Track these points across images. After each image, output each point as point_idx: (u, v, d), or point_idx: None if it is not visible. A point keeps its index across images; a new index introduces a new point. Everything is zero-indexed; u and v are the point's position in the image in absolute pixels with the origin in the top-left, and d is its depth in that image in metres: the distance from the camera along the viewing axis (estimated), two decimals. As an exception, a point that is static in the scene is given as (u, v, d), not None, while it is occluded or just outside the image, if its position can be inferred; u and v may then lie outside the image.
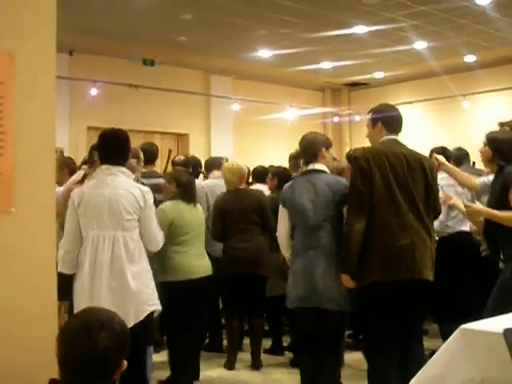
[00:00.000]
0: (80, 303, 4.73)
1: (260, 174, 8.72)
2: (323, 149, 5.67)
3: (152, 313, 4.95)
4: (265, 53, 13.99)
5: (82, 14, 10.83)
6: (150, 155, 7.57)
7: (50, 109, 4.15)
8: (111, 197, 4.80)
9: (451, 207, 6.55)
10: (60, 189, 5.76)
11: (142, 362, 4.95)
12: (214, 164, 8.61)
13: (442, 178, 6.25)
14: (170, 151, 9.71)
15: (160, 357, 7.19)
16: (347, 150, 16.57)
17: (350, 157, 7.12)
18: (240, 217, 7.12)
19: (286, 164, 8.92)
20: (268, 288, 7.24)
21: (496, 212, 5.27)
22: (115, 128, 5.24)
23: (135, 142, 5.84)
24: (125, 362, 2.68)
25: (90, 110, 13.41)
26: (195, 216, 6.52)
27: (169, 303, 5.50)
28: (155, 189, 5.75)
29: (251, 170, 8.93)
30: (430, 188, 5.21)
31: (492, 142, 5.61)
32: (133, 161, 5.83)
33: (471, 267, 6.89)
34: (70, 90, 13.07)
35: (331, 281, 5.33)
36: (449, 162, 7.19)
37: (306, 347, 5.66)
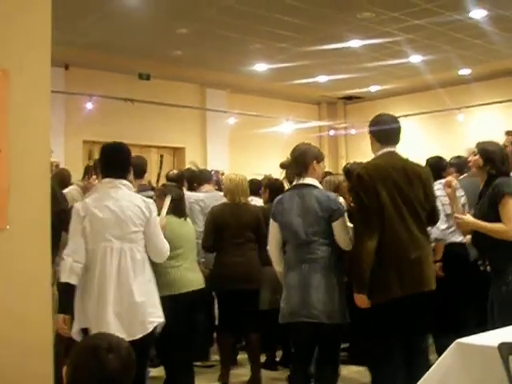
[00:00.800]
0: (88, 315, 4.74)
1: (254, 187, 8.67)
2: (314, 161, 5.60)
3: (156, 326, 4.95)
4: (260, 67, 14.02)
5: (77, 28, 10.85)
6: (139, 169, 7.55)
7: (45, 125, 4.15)
8: (117, 209, 4.81)
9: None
10: None
11: (141, 376, 4.96)
12: (205, 178, 8.55)
13: (437, 189, 6.24)
14: (161, 156, 9.71)
15: (154, 372, 7.16)
16: (343, 163, 16.62)
17: (347, 171, 7.09)
18: (236, 232, 6.99)
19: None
20: (260, 302, 7.19)
21: (485, 224, 5.27)
22: (116, 141, 5.24)
23: (131, 157, 5.85)
24: None
25: (85, 124, 13.41)
26: (187, 230, 6.55)
27: (166, 317, 5.49)
28: None
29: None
30: (428, 197, 5.20)
31: (483, 151, 5.62)
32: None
33: (464, 279, 6.88)
34: (66, 104, 13.09)
35: (325, 294, 5.30)
36: (444, 171, 7.23)
37: (299, 361, 5.64)
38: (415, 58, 13.42)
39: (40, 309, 4.10)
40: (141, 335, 4.72)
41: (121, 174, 4.97)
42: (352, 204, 5.89)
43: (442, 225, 6.60)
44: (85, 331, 4.75)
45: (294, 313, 5.41)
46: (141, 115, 14.19)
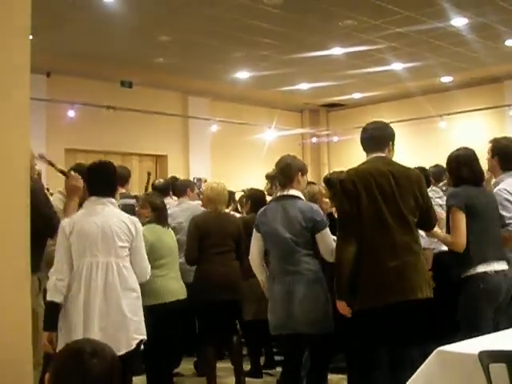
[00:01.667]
0: (74, 329, 4.71)
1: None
2: (299, 174, 5.66)
3: (140, 341, 4.93)
4: (243, 74, 14.02)
5: (59, 35, 10.81)
6: (122, 178, 7.53)
7: (24, 133, 4.11)
8: (103, 224, 4.82)
9: None
10: None
11: None
12: (188, 187, 8.48)
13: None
14: (149, 174, 9.67)
15: (136, 380, 7.11)
16: (325, 170, 16.69)
17: (327, 180, 7.08)
18: (220, 241, 6.84)
19: (264, 185, 8.92)
20: (244, 312, 7.14)
21: (440, 233, 5.46)
22: (102, 161, 5.28)
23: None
24: None
25: (67, 132, 13.36)
26: (170, 239, 6.55)
27: (152, 326, 5.48)
28: (125, 209, 5.68)
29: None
30: (419, 200, 5.04)
31: (447, 160, 5.74)
32: None
33: (448, 288, 6.88)
34: (47, 112, 13.02)
35: (310, 305, 5.32)
36: (428, 181, 7.23)
37: (289, 368, 5.64)
38: (397, 66, 13.46)
39: (18, 311, 4.06)
40: (125, 351, 4.70)
41: (108, 192, 5.00)
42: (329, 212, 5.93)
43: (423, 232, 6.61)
44: None
45: (280, 326, 5.45)
46: (123, 123, 14.16)
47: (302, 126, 18.50)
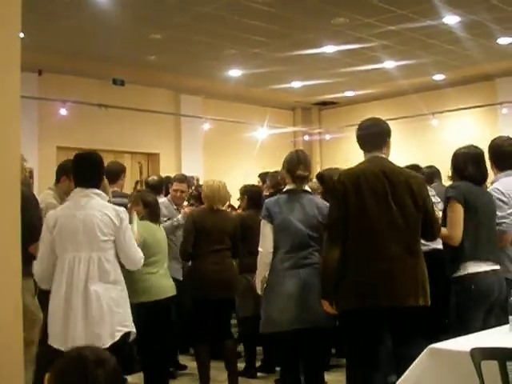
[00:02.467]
0: (55, 323, 4.78)
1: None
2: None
3: (128, 334, 4.92)
4: (235, 72, 14.00)
5: (50, 33, 10.78)
6: (113, 174, 7.51)
7: (15, 132, 4.10)
8: (85, 218, 4.83)
9: None
10: None
11: None
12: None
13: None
14: (136, 183, 9.70)
15: (133, 379, 7.11)
16: (318, 168, 16.64)
17: (320, 176, 7.11)
18: (217, 238, 6.86)
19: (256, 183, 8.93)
20: (239, 309, 7.13)
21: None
22: (89, 151, 5.29)
23: (105, 162, 5.81)
24: None
25: (59, 130, 13.32)
26: (161, 236, 6.55)
27: (145, 323, 5.47)
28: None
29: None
30: (418, 207, 4.91)
31: (453, 157, 5.69)
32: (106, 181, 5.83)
33: (443, 286, 6.87)
34: (39, 110, 12.99)
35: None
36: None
37: (289, 368, 5.63)
38: (389, 64, 13.45)
39: (9, 312, 4.05)
40: (110, 343, 4.70)
41: (93, 183, 4.99)
42: None
43: None
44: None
45: (297, 320, 5.38)
46: (115, 121, 14.14)
47: (295, 124, 18.48)
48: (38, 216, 5.47)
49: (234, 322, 7.71)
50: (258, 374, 7.64)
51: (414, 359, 4.72)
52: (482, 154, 5.64)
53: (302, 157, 5.74)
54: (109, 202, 5.27)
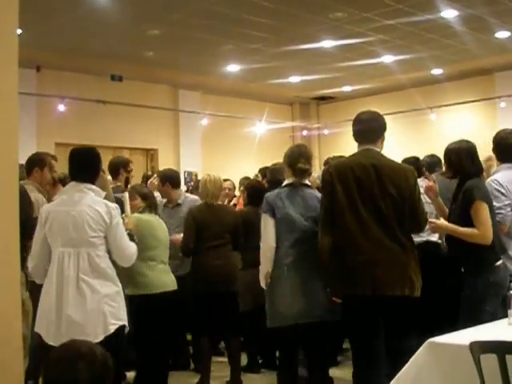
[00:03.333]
0: (46, 317, 4.77)
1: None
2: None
3: (123, 328, 4.92)
4: (233, 67, 14.00)
5: (49, 30, 10.77)
6: (112, 169, 7.51)
7: (13, 128, 4.10)
8: (76, 214, 4.82)
9: None
10: None
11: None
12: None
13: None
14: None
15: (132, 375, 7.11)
16: (316, 163, 16.62)
17: (326, 163, 7.16)
18: (217, 233, 6.88)
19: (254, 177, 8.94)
20: (240, 303, 7.12)
21: (456, 227, 5.31)
22: (85, 146, 5.30)
23: (104, 158, 5.80)
24: None
25: (57, 127, 13.32)
26: (162, 229, 6.53)
27: (143, 317, 5.48)
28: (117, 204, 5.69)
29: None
30: (404, 198, 5.00)
31: (446, 152, 5.68)
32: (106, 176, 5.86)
33: (438, 278, 6.89)
34: (38, 107, 12.98)
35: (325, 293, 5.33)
36: (421, 171, 7.23)
37: (288, 362, 5.63)
38: (387, 58, 13.45)
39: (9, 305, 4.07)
40: (103, 336, 4.70)
41: (88, 178, 4.99)
42: None
43: None
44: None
45: (302, 314, 5.38)
46: (113, 117, 14.13)
47: (293, 119, 18.48)
48: (32, 212, 5.51)
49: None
50: (262, 370, 7.64)
51: (407, 353, 4.81)
52: (474, 147, 5.65)
53: (303, 150, 5.73)
54: (107, 197, 5.26)
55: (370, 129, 5.25)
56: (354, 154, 5.24)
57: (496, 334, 3.67)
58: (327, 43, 12.18)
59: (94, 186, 4.98)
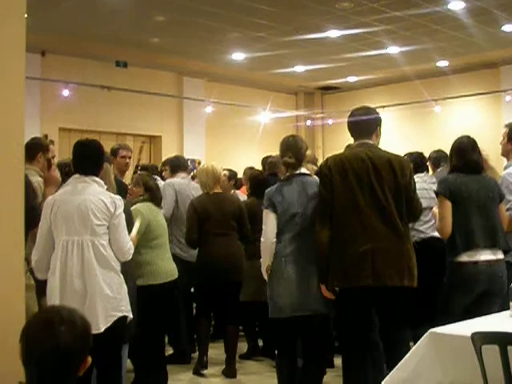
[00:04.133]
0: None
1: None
2: (306, 153, 5.69)
3: (125, 318, 4.92)
4: (238, 55, 13.99)
5: (54, 15, 10.77)
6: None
7: (19, 113, 4.10)
8: (81, 202, 4.81)
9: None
10: None
11: (116, 362, 5.02)
12: (180, 165, 8.34)
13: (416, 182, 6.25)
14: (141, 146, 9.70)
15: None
16: (320, 153, 16.65)
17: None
18: (220, 222, 6.91)
19: (258, 166, 8.95)
20: (242, 293, 7.15)
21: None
22: (89, 138, 5.33)
23: (107, 144, 5.82)
24: (89, 358, 2.67)
25: (61, 112, 13.31)
26: (163, 219, 6.55)
27: (148, 306, 5.49)
28: (119, 189, 5.71)
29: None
30: (401, 188, 5.05)
31: None
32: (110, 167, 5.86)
33: (441, 273, 6.90)
34: (42, 91, 12.97)
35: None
36: (425, 166, 7.25)
37: (287, 352, 5.63)
38: (393, 49, 13.43)
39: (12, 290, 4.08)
40: (104, 327, 4.70)
41: (91, 170, 4.98)
42: None
43: None
44: None
45: (297, 307, 5.35)
46: (118, 103, 14.13)
47: (297, 108, 18.46)
48: (37, 203, 5.50)
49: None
50: (261, 358, 7.67)
51: (402, 343, 4.87)
52: (465, 143, 5.63)
53: (292, 143, 5.59)
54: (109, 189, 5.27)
55: (364, 124, 5.31)
56: (350, 148, 5.37)
57: (498, 326, 3.68)
58: (333, 33, 12.16)
59: (97, 178, 4.99)
